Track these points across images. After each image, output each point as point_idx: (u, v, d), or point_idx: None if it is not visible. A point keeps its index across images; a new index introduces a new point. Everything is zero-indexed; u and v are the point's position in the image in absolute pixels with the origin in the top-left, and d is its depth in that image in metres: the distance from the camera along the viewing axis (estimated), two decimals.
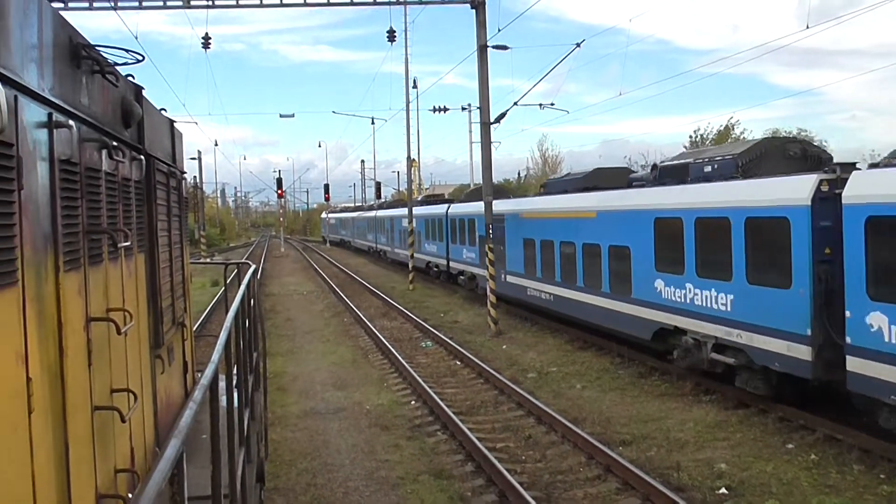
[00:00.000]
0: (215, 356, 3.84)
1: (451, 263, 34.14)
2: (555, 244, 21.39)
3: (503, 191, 36.81)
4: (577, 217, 19.94)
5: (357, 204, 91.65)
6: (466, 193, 38.34)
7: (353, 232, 75.61)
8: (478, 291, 28.97)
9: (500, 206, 25.97)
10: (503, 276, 25.48)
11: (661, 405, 14.19)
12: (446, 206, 36.06)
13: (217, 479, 3.52)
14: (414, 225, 39.82)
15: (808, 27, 26.26)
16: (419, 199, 48.08)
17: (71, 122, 3.62)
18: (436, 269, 37.69)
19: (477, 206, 27.83)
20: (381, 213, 55.94)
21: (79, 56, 3.91)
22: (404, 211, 42.17)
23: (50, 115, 3.37)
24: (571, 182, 22.52)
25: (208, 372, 3.53)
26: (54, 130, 3.39)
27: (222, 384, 4.85)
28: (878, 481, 10.06)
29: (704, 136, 60.62)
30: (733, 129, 59.66)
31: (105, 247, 4.32)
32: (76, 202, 3.77)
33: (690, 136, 61.05)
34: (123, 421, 4.29)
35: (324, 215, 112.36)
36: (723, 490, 9.91)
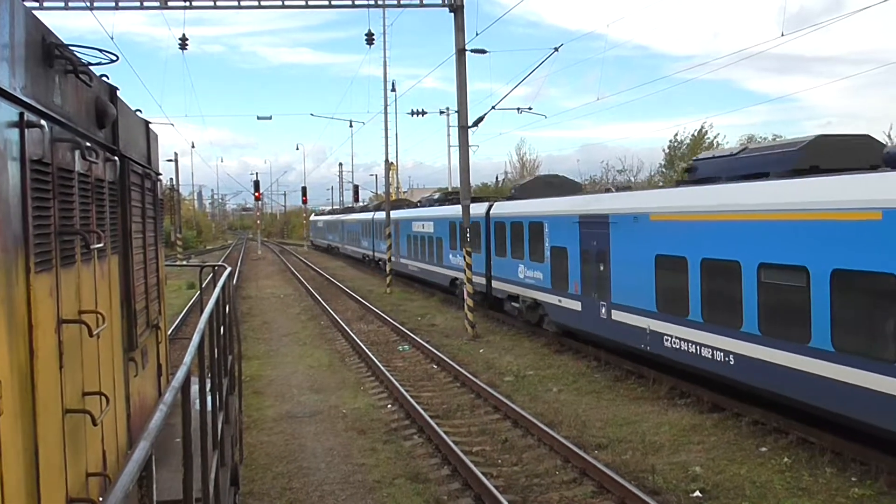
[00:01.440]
0: (187, 358, 3.82)
1: (495, 284, 25.46)
2: (741, 268, 12.61)
3: (571, 184, 26.93)
4: (811, 220, 11.28)
5: (347, 205, 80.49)
6: (519, 187, 26.74)
7: (344, 236, 64.43)
8: (545, 327, 21.50)
9: (595, 203, 18.56)
10: (603, 309, 17.42)
11: (637, 409, 14.26)
12: (486, 205, 26.87)
13: (189, 482, 3.50)
14: (431, 229, 32.85)
15: (782, 34, 26.56)
16: (435, 196, 39.39)
17: (43, 122, 3.59)
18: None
19: (547, 206, 20.97)
20: (381, 215, 44.59)
21: (52, 55, 3.88)
22: (417, 212, 35.91)
23: (21, 114, 3.34)
24: (770, 160, 13.45)
25: (179, 374, 3.51)
26: (26, 130, 3.36)
27: (196, 387, 4.83)
28: (849, 484, 10.17)
29: (681, 140, 61.19)
30: (707, 133, 60.30)
31: (77, 248, 4.28)
32: (48, 203, 3.73)
33: (670, 141, 61.62)
34: (95, 424, 4.25)
35: (312, 217, 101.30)
36: (697, 493, 9.97)
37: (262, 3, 23.73)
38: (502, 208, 25.20)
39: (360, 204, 66.17)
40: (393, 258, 40.59)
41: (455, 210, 28.75)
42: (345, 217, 66.16)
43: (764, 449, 11.69)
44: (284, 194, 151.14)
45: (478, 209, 26.62)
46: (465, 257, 23.83)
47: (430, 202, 37.34)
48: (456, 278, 29.23)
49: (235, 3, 23.56)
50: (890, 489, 9.89)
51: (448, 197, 36.15)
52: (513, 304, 23.66)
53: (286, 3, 23.96)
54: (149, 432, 2.72)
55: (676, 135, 61.31)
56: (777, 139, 66.95)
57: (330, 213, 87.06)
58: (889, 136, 44.63)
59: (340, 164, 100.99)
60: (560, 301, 19.89)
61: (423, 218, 34.68)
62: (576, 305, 18.97)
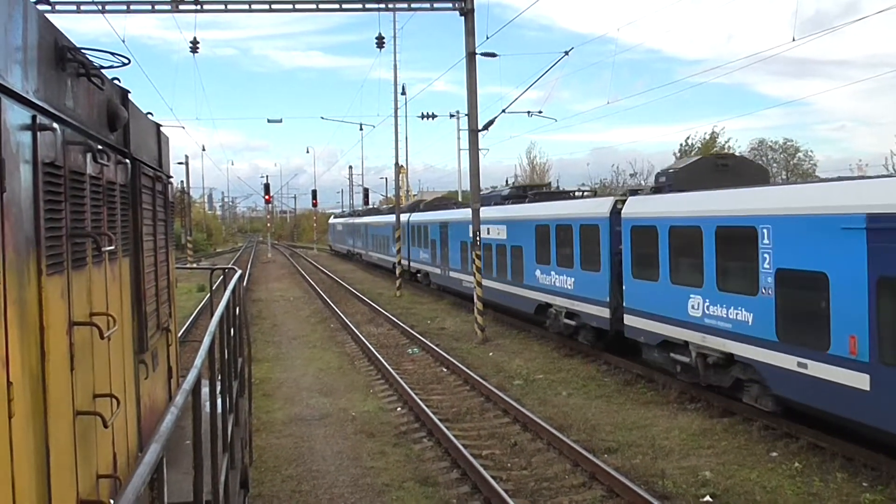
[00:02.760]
0: (198, 361, 3.83)
1: (631, 320, 16.85)
2: None
3: (755, 168, 18.73)
4: None
5: (366, 207, 71.29)
6: (676, 171, 17.23)
7: (368, 242, 55.96)
8: (751, 401, 13.25)
9: None
10: None
11: (647, 413, 14.21)
12: (609, 200, 18.91)
13: (199, 484, 3.50)
14: (503, 234, 24.89)
15: (794, 39, 26.49)
16: (504, 191, 29.06)
17: (55, 125, 3.61)
18: (569, 319, 20.21)
19: (765, 199, 13.05)
20: (421, 216, 38.07)
21: (64, 58, 3.90)
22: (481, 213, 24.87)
23: (34, 117, 3.35)
24: None
25: (190, 377, 3.52)
26: (38, 133, 3.38)
27: (206, 389, 4.84)
28: (860, 489, 10.12)
29: (692, 144, 61.24)
30: (718, 137, 60.43)
31: (89, 251, 4.30)
32: (60, 205, 3.75)
33: (681, 145, 61.67)
34: (106, 426, 4.26)
35: (331, 220, 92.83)
36: (707, 498, 9.93)
37: (273, 7, 23.80)
38: (648, 205, 16.57)
39: (387, 206, 60.74)
40: (438, 270, 33.47)
41: (543, 210, 22.16)
42: (370, 220, 56.66)
43: (774, 454, 11.64)
44: (295, 197, 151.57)
45: (593, 207, 19.30)
46: (474, 260, 23.79)
47: (496, 198, 27.64)
48: (548, 304, 21.45)
49: (246, 7, 23.63)
50: None
51: (525, 192, 26.55)
52: (673, 354, 15.25)
53: (297, 6, 24.01)
54: (160, 435, 2.73)
55: (688, 139, 61.35)
56: (788, 143, 66.49)
57: (350, 215, 74.57)
58: None
59: (350, 168, 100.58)
60: (804, 366, 11.65)
61: (491, 220, 25.47)
62: (853, 379, 10.67)
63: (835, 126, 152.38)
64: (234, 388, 6.99)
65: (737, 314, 13.34)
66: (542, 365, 18.92)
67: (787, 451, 11.73)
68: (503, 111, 25.58)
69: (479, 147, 24.31)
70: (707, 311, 14.15)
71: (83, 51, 4.42)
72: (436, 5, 24.03)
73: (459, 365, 18.42)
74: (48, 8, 21.29)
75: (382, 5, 24.49)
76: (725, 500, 9.89)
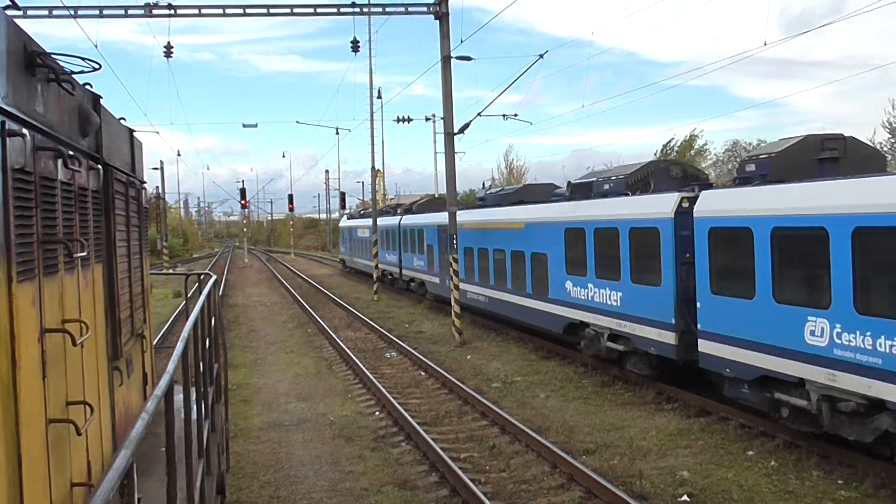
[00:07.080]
0: (170, 366, 3.81)
1: None
2: None
3: None
4: None
5: (347, 210, 54.17)
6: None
7: (433, 261, 30.69)
8: None
9: None
10: None
11: (624, 414, 14.28)
12: None
13: (172, 490, 3.49)
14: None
15: (765, 44, 26.75)
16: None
17: (25, 131, 3.58)
18: None
19: None
20: (637, 205, 15.84)
21: (34, 64, 3.87)
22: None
23: (3, 123, 3.33)
24: None
25: (162, 382, 3.50)
26: (7, 139, 3.35)
27: (181, 396, 4.81)
28: (835, 486, 10.22)
29: (672, 146, 61.84)
30: (696, 139, 61.09)
31: (61, 257, 4.26)
32: (30, 212, 3.72)
33: (663, 146, 62.25)
34: (79, 434, 4.23)
35: (342, 223, 61.35)
36: (685, 497, 9.99)
37: (248, 11, 23.73)
38: None
39: (493, 190, 30.82)
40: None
41: None
42: (423, 219, 32.83)
43: (751, 453, 11.74)
44: (271, 202, 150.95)
45: None
46: (451, 263, 23.78)
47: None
48: None
49: (220, 11, 23.55)
50: (876, 491, 9.96)
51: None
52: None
53: (271, 10, 23.95)
54: (130, 440, 2.71)
55: (671, 141, 61.87)
56: (761, 144, 67.36)
57: (386, 211, 43.47)
58: (872, 141, 44.98)
59: (327, 171, 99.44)
60: None
61: None
62: None
63: (811, 127, 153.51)
64: (210, 393, 6.96)
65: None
66: (519, 367, 18.95)
67: (763, 449, 11.83)
68: (479, 114, 25.66)
69: (456, 150, 24.33)
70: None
71: (53, 56, 4.39)
72: (410, 9, 24.04)
73: (437, 368, 18.41)
74: (19, 13, 21.07)
75: (357, 9, 24.48)
76: (703, 500, 9.96)
